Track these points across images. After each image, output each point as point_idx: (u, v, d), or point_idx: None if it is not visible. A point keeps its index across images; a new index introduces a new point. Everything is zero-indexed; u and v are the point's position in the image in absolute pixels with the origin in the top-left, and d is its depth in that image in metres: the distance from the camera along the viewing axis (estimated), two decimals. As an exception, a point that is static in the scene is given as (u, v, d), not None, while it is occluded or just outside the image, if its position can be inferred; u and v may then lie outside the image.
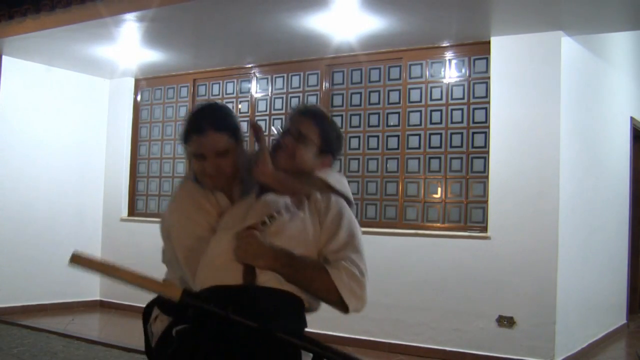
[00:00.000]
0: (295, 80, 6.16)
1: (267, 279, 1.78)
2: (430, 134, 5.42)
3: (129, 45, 5.84)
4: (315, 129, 2.04)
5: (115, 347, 5.05)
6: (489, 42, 5.09)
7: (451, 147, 5.33)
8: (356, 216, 2.02)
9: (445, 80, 5.39)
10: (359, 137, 5.74)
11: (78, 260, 1.74)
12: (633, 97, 6.97)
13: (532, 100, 4.90)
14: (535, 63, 4.91)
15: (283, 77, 6.23)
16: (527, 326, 4.75)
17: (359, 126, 5.76)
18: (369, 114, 5.72)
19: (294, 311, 1.83)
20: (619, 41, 6.37)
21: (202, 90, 6.82)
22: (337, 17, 4.80)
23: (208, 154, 1.90)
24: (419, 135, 5.45)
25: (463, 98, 5.30)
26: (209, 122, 1.91)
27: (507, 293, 4.84)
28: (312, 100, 5.98)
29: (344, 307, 1.78)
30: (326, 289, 1.77)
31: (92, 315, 6.64)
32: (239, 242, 1.78)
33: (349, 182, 2.15)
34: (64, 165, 6.85)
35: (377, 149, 5.65)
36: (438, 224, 5.33)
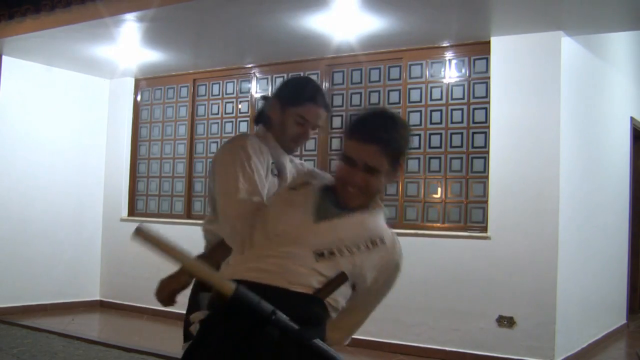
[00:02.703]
0: (295, 80, 6.15)
1: (305, 285, 1.69)
2: (430, 134, 5.42)
3: (129, 45, 5.84)
4: (384, 158, 1.75)
5: (115, 347, 5.05)
6: (489, 42, 5.09)
7: (451, 147, 5.33)
8: None
9: (445, 80, 5.39)
10: (359, 137, 5.73)
11: (141, 234, 1.58)
12: (633, 97, 6.97)
13: (532, 100, 4.90)
14: (535, 63, 4.91)
15: (283, 77, 6.22)
16: (527, 326, 4.75)
17: (359, 126, 5.75)
18: (369, 114, 5.71)
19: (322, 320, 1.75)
20: (619, 41, 6.37)
21: (202, 90, 6.81)
22: (337, 17, 4.80)
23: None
24: (419, 135, 5.44)
25: (463, 98, 5.30)
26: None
27: (507, 293, 4.84)
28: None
29: None
30: None
31: (92, 315, 6.63)
32: None
33: None
34: (64, 165, 6.84)
35: (377, 149, 5.63)
36: (438, 224, 5.33)
